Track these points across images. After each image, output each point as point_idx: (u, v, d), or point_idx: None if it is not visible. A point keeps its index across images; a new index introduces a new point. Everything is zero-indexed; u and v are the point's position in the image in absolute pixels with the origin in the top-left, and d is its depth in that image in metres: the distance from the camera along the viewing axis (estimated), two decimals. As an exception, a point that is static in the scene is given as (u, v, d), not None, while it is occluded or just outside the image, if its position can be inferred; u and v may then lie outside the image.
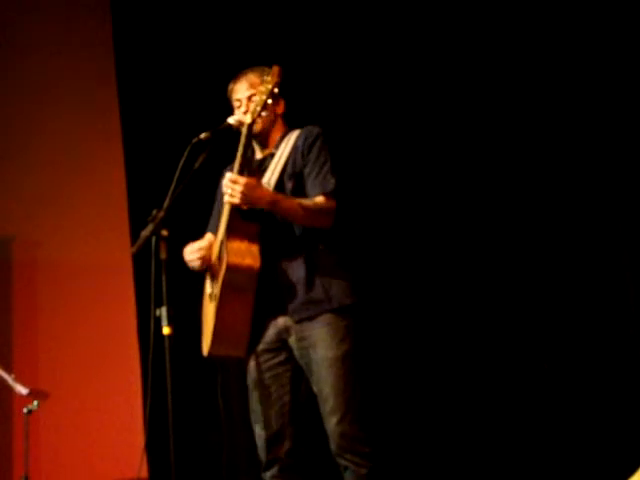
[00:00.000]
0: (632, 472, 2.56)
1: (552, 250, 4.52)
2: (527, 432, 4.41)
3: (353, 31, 4.89)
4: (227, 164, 3.47)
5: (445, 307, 4.64)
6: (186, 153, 3.18)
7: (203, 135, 3.24)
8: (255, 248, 3.15)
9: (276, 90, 3.15)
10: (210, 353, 3.21)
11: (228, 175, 3.15)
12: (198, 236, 3.72)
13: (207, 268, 3.32)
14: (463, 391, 4.55)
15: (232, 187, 3.10)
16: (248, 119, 3.16)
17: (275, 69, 3.18)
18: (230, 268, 3.09)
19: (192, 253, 3.33)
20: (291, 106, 3.48)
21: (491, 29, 4.64)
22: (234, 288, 3.12)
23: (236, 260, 3.10)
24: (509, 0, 4.59)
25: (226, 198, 3.15)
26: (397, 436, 4.48)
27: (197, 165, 3.19)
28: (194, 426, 4.71)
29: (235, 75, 3.46)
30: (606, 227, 4.39)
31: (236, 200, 3.10)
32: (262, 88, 3.17)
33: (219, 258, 3.20)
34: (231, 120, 3.33)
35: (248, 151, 3.21)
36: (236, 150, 3.22)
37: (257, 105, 3.14)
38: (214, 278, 3.23)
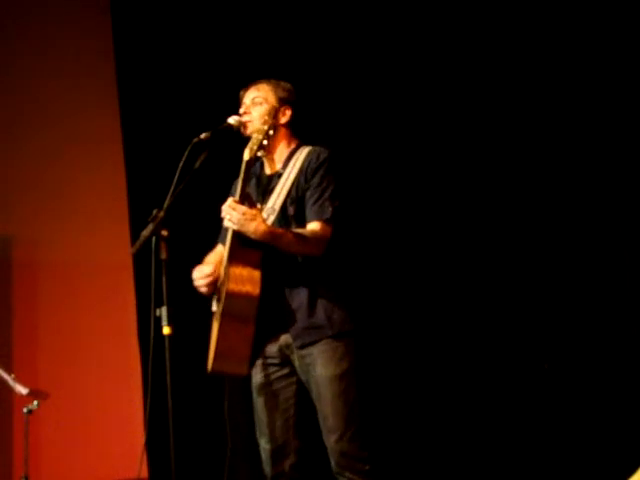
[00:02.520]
0: (632, 472, 2.56)
1: (552, 251, 4.52)
2: (527, 432, 4.41)
3: (352, 34, 4.90)
4: (228, 165, 3.47)
5: (444, 311, 4.65)
6: (186, 153, 3.19)
7: (203, 135, 3.24)
8: (256, 274, 3.17)
9: (271, 132, 3.18)
10: (213, 370, 3.23)
11: (229, 200, 3.16)
12: (198, 236, 3.73)
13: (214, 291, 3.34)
14: (464, 400, 4.55)
15: (230, 213, 3.12)
16: (246, 156, 3.16)
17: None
18: (229, 295, 3.13)
19: (200, 279, 3.33)
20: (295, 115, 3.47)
21: (491, 31, 4.64)
22: (234, 314, 3.15)
23: (235, 287, 3.14)
24: (509, 0, 4.60)
25: (225, 222, 3.17)
26: (397, 454, 4.48)
27: (197, 165, 3.20)
28: (194, 426, 4.71)
29: (244, 85, 3.48)
30: (606, 227, 4.39)
31: (234, 226, 3.13)
32: (260, 127, 3.19)
33: (223, 281, 3.23)
34: (231, 120, 3.34)
35: (247, 185, 3.21)
36: (237, 154, 3.23)
37: (254, 144, 3.15)
38: (219, 298, 3.25)
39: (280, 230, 3.21)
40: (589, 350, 4.38)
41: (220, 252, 3.45)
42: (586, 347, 4.39)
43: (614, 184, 4.38)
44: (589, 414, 4.30)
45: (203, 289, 3.33)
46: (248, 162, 3.16)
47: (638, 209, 4.29)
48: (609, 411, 4.25)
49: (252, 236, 3.14)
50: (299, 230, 3.23)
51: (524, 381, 4.48)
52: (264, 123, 3.20)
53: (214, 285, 3.32)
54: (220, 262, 3.36)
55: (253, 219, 3.11)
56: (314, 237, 3.21)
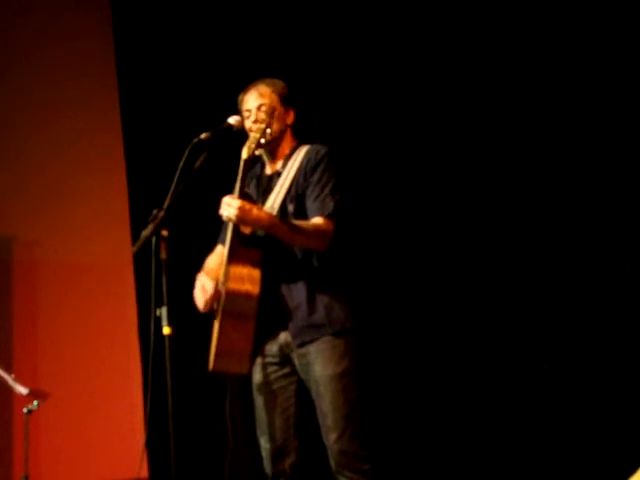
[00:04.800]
0: (632, 472, 2.56)
1: (552, 251, 4.52)
2: (527, 432, 4.41)
3: (352, 34, 4.89)
4: (228, 165, 3.48)
5: (444, 310, 4.65)
6: (186, 153, 3.19)
7: (204, 135, 3.25)
8: (256, 273, 3.19)
9: (269, 130, 3.19)
10: (214, 369, 3.24)
11: (225, 198, 3.17)
12: (198, 236, 3.73)
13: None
14: (464, 400, 4.55)
15: (227, 209, 3.12)
16: (244, 155, 3.16)
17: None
18: (229, 294, 3.15)
19: (200, 300, 3.33)
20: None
21: (491, 30, 4.64)
22: (234, 313, 3.17)
23: (235, 286, 3.16)
24: (509, 0, 4.60)
25: (224, 218, 3.18)
26: (398, 453, 4.48)
27: (198, 165, 3.21)
28: (194, 426, 4.71)
29: (244, 85, 3.49)
30: (605, 227, 4.39)
31: (233, 220, 3.13)
32: (256, 126, 3.19)
33: (223, 281, 3.23)
34: (231, 120, 3.34)
35: (245, 185, 3.22)
36: (237, 154, 3.23)
37: (252, 143, 3.16)
38: (219, 298, 3.25)
39: (280, 218, 3.22)
40: (589, 350, 4.37)
41: (221, 253, 3.46)
42: (586, 347, 4.38)
43: (614, 185, 4.38)
44: (589, 414, 4.30)
45: (200, 307, 3.33)
46: (246, 161, 3.16)
47: (638, 210, 4.29)
48: (609, 411, 4.25)
49: (255, 225, 3.15)
50: (302, 222, 3.23)
51: (524, 381, 4.48)
52: (262, 122, 3.20)
53: (211, 304, 3.32)
54: (215, 270, 3.37)
55: (251, 209, 3.12)
56: (318, 231, 3.22)
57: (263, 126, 3.18)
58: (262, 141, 3.17)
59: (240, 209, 3.10)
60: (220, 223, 3.49)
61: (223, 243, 3.45)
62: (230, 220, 3.14)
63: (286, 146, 3.42)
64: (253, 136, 3.17)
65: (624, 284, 4.34)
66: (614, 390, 4.27)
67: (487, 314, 4.57)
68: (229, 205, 3.12)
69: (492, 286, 4.59)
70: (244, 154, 3.16)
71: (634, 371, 4.23)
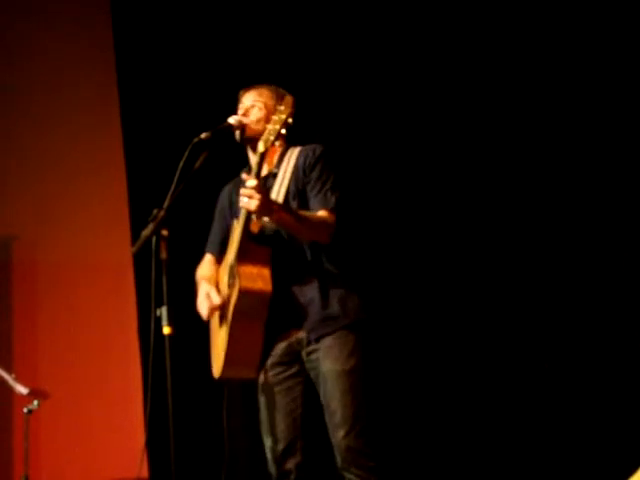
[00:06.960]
0: (632, 472, 2.56)
1: (552, 250, 4.52)
2: (527, 432, 4.41)
3: (350, 34, 4.90)
4: (227, 166, 3.48)
5: (445, 310, 4.65)
6: (187, 153, 3.18)
7: (204, 135, 3.24)
8: (266, 272, 3.15)
9: (290, 120, 3.08)
10: (222, 376, 3.23)
11: (249, 182, 3.07)
12: (198, 236, 3.73)
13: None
14: (466, 399, 4.55)
15: (251, 194, 3.04)
16: (261, 148, 3.11)
17: (289, 99, 3.13)
18: (242, 292, 3.10)
19: (202, 307, 3.32)
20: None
21: (491, 30, 4.65)
22: (246, 312, 3.13)
23: (248, 285, 3.11)
24: (509, 0, 4.60)
25: (241, 203, 3.10)
26: (404, 450, 4.48)
27: (198, 165, 3.20)
28: (194, 426, 4.72)
29: (243, 85, 3.50)
30: (606, 227, 4.40)
31: (252, 207, 3.05)
32: (276, 117, 3.11)
33: (229, 284, 3.21)
34: (232, 120, 3.34)
35: (260, 178, 3.17)
36: (237, 154, 3.22)
37: (270, 134, 3.08)
38: (225, 304, 3.23)
39: (292, 209, 3.21)
40: (589, 350, 4.38)
41: (210, 260, 3.48)
42: (586, 347, 4.39)
43: (614, 184, 4.38)
44: (589, 414, 4.30)
45: (205, 315, 3.32)
46: (262, 154, 3.11)
47: (638, 209, 4.30)
48: (609, 411, 4.25)
49: (269, 216, 3.10)
50: (308, 213, 3.23)
51: (524, 381, 4.48)
52: (282, 113, 3.09)
53: (215, 309, 3.30)
54: (211, 277, 3.37)
55: (269, 200, 3.08)
56: (323, 223, 3.23)
57: (284, 117, 3.07)
58: (283, 132, 3.12)
59: (260, 199, 3.03)
60: (208, 231, 3.51)
61: (212, 252, 3.48)
62: (250, 210, 3.08)
63: (277, 149, 3.42)
64: (272, 128, 3.07)
65: (624, 284, 4.34)
66: (614, 390, 4.27)
67: (488, 314, 4.58)
68: (250, 194, 3.04)
69: (493, 286, 4.60)
70: (261, 147, 3.10)
71: (634, 371, 4.23)
